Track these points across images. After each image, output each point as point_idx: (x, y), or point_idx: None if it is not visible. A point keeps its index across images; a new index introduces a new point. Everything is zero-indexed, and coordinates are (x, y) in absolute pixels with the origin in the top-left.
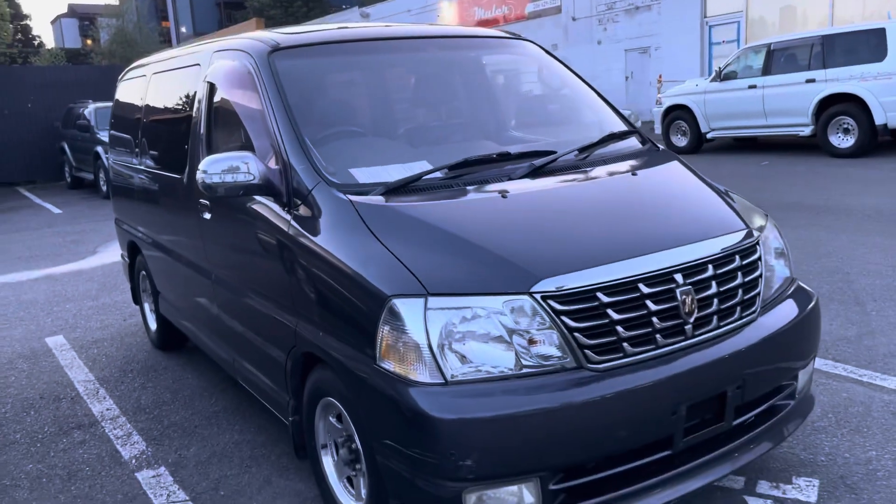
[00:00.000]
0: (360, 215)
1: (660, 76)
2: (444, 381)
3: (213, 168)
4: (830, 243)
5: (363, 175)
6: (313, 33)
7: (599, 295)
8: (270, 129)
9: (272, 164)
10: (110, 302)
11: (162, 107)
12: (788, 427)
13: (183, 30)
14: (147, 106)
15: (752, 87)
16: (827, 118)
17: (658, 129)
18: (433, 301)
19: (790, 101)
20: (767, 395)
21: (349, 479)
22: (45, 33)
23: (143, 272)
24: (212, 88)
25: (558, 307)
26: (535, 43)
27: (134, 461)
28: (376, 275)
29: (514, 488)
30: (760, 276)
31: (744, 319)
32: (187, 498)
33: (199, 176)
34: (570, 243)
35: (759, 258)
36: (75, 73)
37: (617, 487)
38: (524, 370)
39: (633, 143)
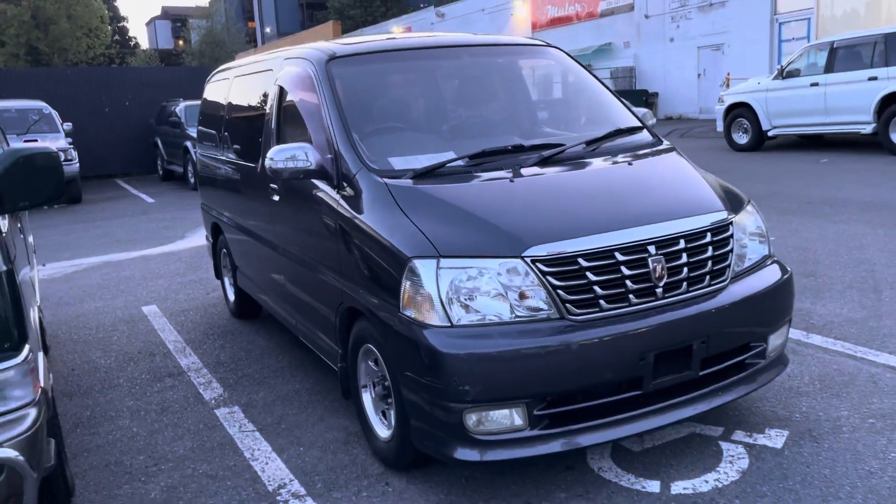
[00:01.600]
0: (391, 194)
1: (728, 74)
2: (450, 325)
3: (278, 156)
4: (867, 237)
5: (399, 163)
6: (365, 44)
7: (580, 260)
8: (326, 124)
9: (326, 153)
10: (196, 279)
11: (241, 105)
12: (756, 382)
13: (268, 30)
14: (230, 104)
15: (815, 84)
16: (889, 116)
17: (720, 127)
18: (444, 262)
19: (852, 98)
20: (736, 351)
21: (383, 413)
22: (140, 34)
23: (224, 250)
24: (281, 90)
25: (545, 269)
26: (561, 50)
27: (213, 401)
28: (401, 241)
29: (505, 412)
30: (731, 251)
31: (712, 287)
32: (254, 428)
33: (266, 162)
34: (559, 218)
35: (731, 236)
36: (168, 74)
37: (594, 417)
38: (516, 318)
39: (641, 137)
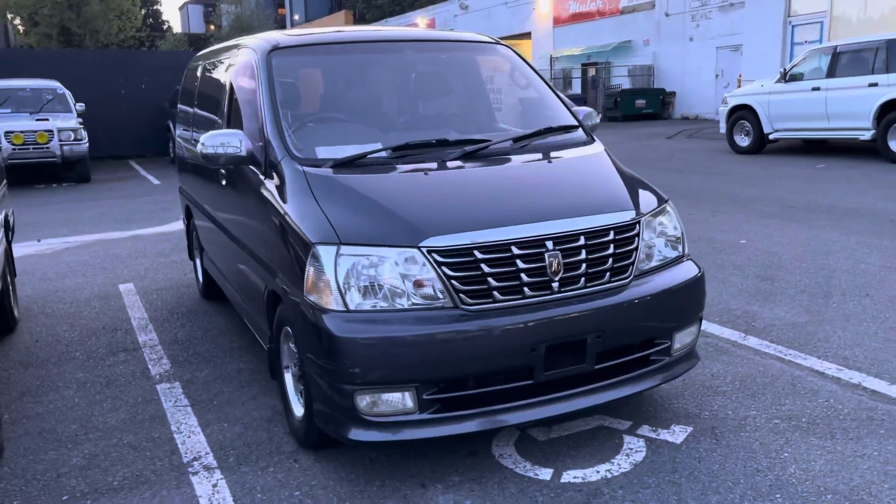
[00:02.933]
0: (308, 182)
1: (740, 76)
2: (347, 310)
3: (209, 142)
4: (837, 243)
5: (324, 152)
6: (311, 35)
7: (476, 252)
8: (259, 112)
9: (258, 140)
10: (178, 260)
11: (204, 92)
12: (660, 378)
13: (296, 17)
14: (198, 90)
15: (816, 89)
16: (888, 123)
17: (722, 129)
18: (344, 249)
19: (852, 104)
20: (639, 347)
21: (301, 393)
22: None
23: (195, 232)
24: (231, 79)
25: (440, 259)
26: (509, 47)
27: (158, 377)
28: (308, 227)
29: (396, 395)
30: (635, 249)
31: (613, 283)
32: (188, 404)
33: (198, 148)
34: (460, 211)
35: (637, 235)
36: (185, 58)
37: (485, 404)
38: (412, 306)
39: (574, 136)
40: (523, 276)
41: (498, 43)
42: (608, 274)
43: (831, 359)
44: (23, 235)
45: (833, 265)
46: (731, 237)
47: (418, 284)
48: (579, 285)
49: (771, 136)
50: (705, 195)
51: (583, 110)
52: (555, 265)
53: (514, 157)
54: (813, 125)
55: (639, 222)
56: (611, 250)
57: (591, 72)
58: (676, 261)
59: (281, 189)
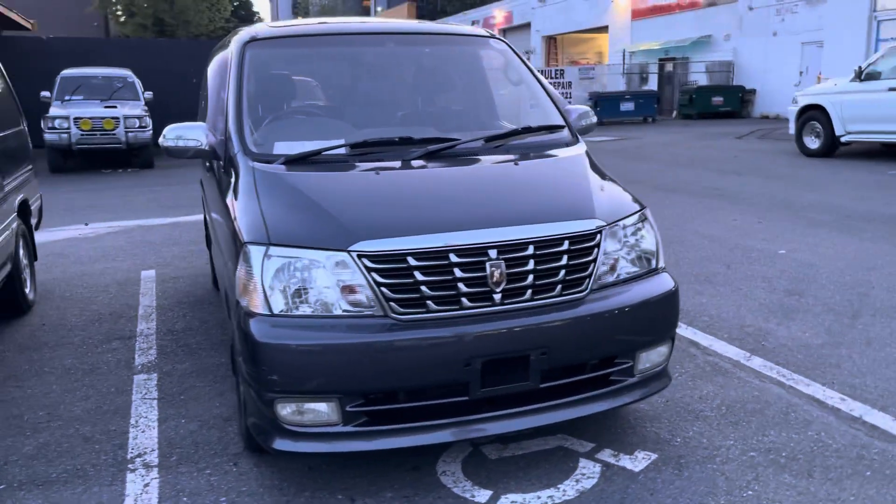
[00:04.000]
0: (254, 179)
1: (819, 73)
2: (272, 314)
3: (170, 134)
4: (885, 258)
5: (282, 147)
6: (291, 27)
7: (410, 259)
8: (225, 105)
9: (221, 134)
10: (206, 249)
11: (206, 83)
12: (619, 400)
13: (378, 9)
14: (204, 80)
15: (893, 89)
16: None
17: (791, 129)
18: (273, 250)
19: None
20: (594, 366)
21: None
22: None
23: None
24: (213, 71)
25: (370, 265)
26: (502, 41)
27: (140, 367)
28: (244, 225)
29: (318, 405)
30: (593, 261)
31: (565, 297)
32: (156, 397)
33: (160, 140)
34: (400, 214)
35: (597, 245)
36: None
37: (416, 419)
38: (342, 313)
39: (557, 136)
40: (461, 285)
41: (492, 36)
42: (560, 287)
43: (837, 387)
44: (74, 219)
45: (873, 281)
46: (771, 246)
47: (349, 291)
48: (525, 298)
49: (843, 139)
50: (757, 200)
51: (577, 109)
52: (497, 275)
53: (484, 158)
54: (889, 128)
55: (600, 232)
56: (563, 261)
57: (668, 67)
58: (647, 274)
59: (235, 185)
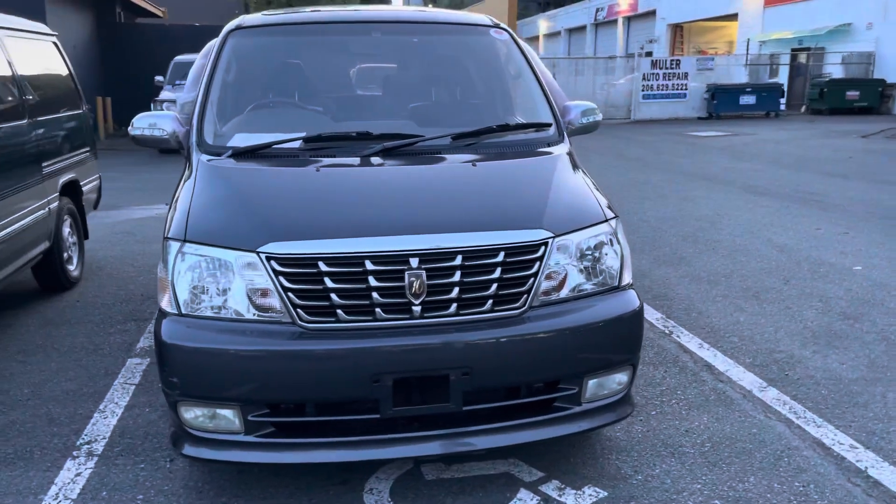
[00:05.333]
0: (196, 171)
1: None
2: (180, 314)
3: (139, 123)
4: None
5: (239, 140)
6: (280, 15)
7: (321, 264)
8: (198, 95)
9: (187, 124)
10: None
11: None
12: (557, 429)
13: None
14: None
15: None
16: None
17: None
18: (187, 247)
19: None
20: (533, 390)
21: None
22: None
23: None
24: (201, 61)
25: (278, 268)
26: (509, 32)
27: (139, 350)
28: (172, 219)
29: (221, 412)
30: (534, 275)
31: (497, 313)
32: (137, 383)
33: (129, 128)
34: (317, 215)
35: (540, 258)
36: None
37: (325, 435)
38: (249, 317)
39: (540, 135)
40: (376, 295)
41: (495, 25)
42: (491, 302)
43: (853, 431)
44: (164, 198)
45: None
46: (846, 261)
47: (259, 294)
48: (449, 312)
49: None
50: (854, 208)
51: (578, 106)
52: (416, 286)
53: (448, 157)
54: None
55: (545, 244)
56: (496, 274)
57: (802, 58)
58: (606, 292)
59: (183, 177)
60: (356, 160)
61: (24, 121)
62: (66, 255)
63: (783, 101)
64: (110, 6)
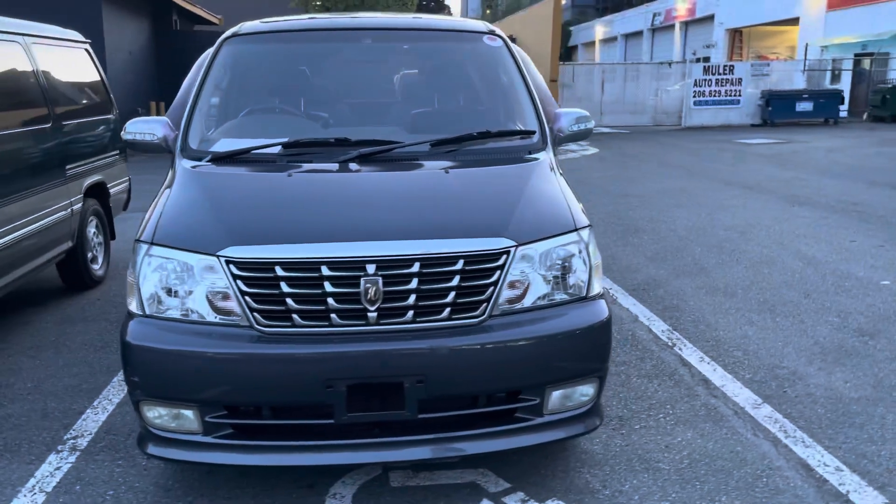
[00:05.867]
0: (174, 176)
1: None
2: (145, 315)
3: (131, 128)
4: None
5: (224, 145)
6: (275, 23)
7: (278, 269)
8: (189, 100)
9: (177, 129)
10: None
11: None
12: (518, 441)
13: (564, 1)
14: None
15: None
16: None
17: None
18: (154, 249)
19: None
20: (493, 401)
21: None
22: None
23: None
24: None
25: (236, 272)
26: (503, 39)
27: None
28: (146, 221)
29: (184, 412)
30: (494, 283)
31: (455, 321)
32: None
33: (122, 133)
34: (278, 220)
35: (501, 267)
36: None
37: (282, 438)
38: (209, 319)
39: (522, 143)
40: (331, 301)
41: (490, 32)
42: (449, 310)
43: (842, 453)
44: None
45: None
46: (875, 275)
47: (220, 297)
48: (405, 319)
49: None
50: (895, 220)
51: (569, 114)
52: (372, 293)
53: (425, 164)
54: None
55: (507, 252)
56: (454, 282)
57: (865, 63)
58: (572, 302)
59: (166, 180)
60: (333, 166)
61: (48, 125)
62: (90, 254)
63: (843, 107)
64: (167, 14)
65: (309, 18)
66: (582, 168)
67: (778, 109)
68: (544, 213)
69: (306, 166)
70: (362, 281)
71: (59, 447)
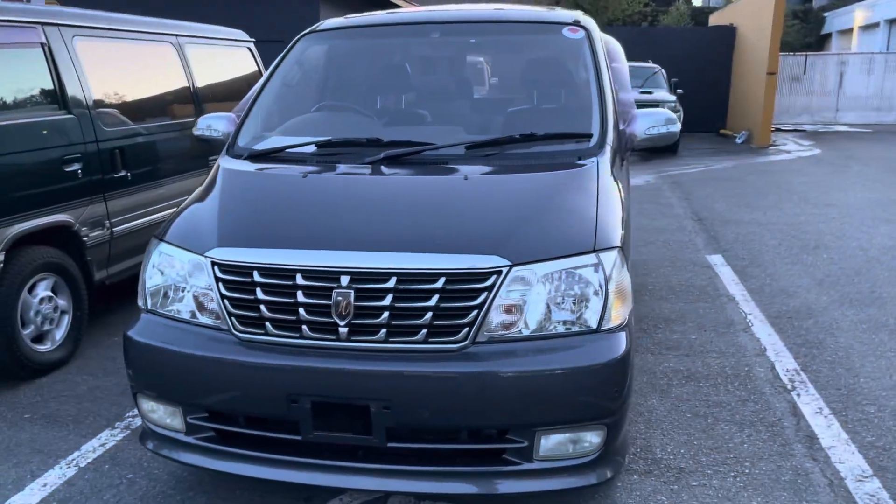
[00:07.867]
0: (212, 172)
1: None
2: (146, 310)
3: (202, 123)
4: None
5: (266, 143)
6: (355, 18)
7: (255, 273)
8: (251, 96)
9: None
10: None
11: None
12: (499, 486)
13: None
14: None
15: None
16: None
17: None
18: (161, 246)
19: None
20: (476, 437)
21: None
22: None
23: None
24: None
25: (219, 274)
26: (584, 28)
27: None
28: (171, 219)
29: (171, 408)
30: (480, 307)
31: (431, 345)
32: None
33: (193, 129)
34: (265, 223)
35: (488, 289)
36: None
37: (260, 449)
38: (197, 319)
39: (576, 147)
40: (303, 311)
41: (572, 23)
42: (425, 332)
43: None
44: None
45: None
46: None
47: (208, 298)
48: (377, 338)
49: None
50: None
51: (648, 116)
52: (342, 306)
53: (458, 168)
54: None
55: (498, 272)
56: (432, 302)
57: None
58: (580, 334)
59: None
60: (359, 168)
61: (193, 118)
62: None
63: None
64: (382, 9)
65: (386, 13)
66: (790, 171)
67: None
68: (557, 229)
69: (340, 167)
70: (334, 293)
71: (117, 424)
